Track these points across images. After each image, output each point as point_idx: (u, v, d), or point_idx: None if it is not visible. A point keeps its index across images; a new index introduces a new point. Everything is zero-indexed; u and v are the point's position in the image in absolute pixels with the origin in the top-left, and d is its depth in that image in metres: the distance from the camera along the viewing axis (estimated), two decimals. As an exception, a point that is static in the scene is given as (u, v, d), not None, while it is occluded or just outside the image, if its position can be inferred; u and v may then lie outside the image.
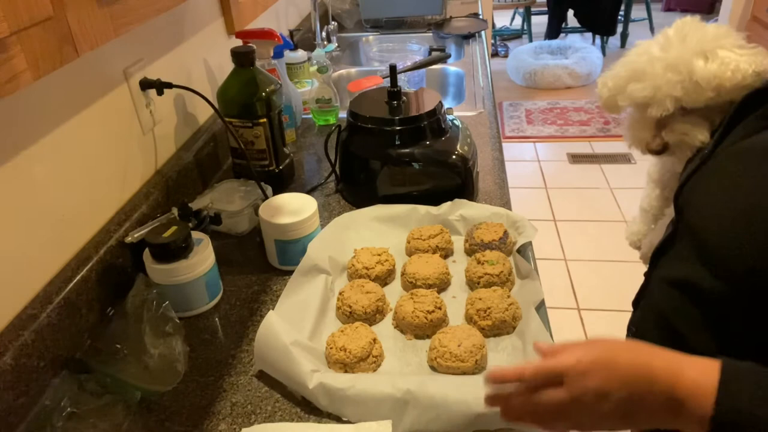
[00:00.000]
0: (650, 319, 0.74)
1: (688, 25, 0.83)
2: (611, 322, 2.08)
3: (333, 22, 2.02)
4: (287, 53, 1.50)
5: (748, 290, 0.55)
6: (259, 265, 0.95)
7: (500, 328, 0.77)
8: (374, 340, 0.75)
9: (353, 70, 1.84)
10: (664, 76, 0.80)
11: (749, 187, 0.60)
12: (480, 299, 0.79)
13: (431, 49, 1.81)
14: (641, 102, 0.84)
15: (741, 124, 0.67)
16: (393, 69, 1.06)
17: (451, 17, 2.23)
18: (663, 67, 0.80)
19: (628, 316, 0.84)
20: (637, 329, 0.79)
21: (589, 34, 4.83)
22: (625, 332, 0.83)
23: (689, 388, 0.49)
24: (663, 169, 1.03)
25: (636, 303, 0.82)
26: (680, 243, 0.70)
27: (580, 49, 4.32)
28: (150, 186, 0.98)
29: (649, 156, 1.00)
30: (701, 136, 0.81)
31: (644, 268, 0.83)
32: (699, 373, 0.50)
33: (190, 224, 0.91)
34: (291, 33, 1.87)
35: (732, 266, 0.58)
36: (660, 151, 0.86)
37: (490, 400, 0.57)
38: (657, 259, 0.76)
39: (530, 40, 4.80)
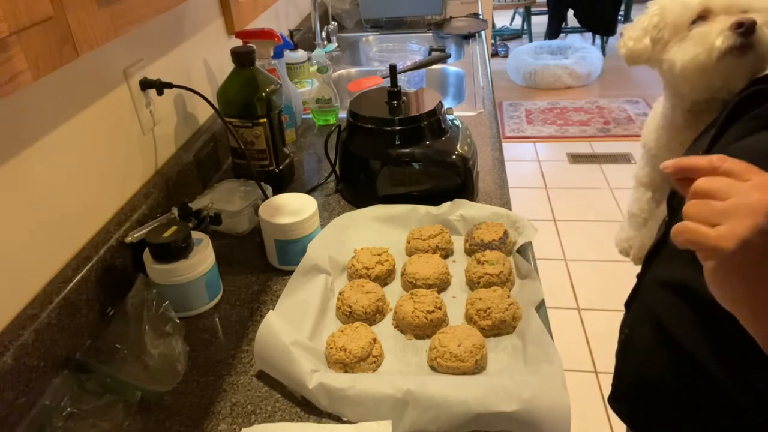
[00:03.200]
0: (643, 320, 0.74)
1: None
2: (611, 322, 2.07)
3: (333, 22, 2.02)
4: (287, 53, 1.50)
5: None
6: (259, 265, 0.95)
7: (500, 328, 0.77)
8: (374, 340, 0.75)
9: (353, 70, 1.84)
10: None
11: None
12: (480, 299, 0.79)
13: (431, 49, 1.81)
14: (701, 2, 0.77)
15: (735, 125, 0.67)
16: (393, 69, 1.06)
17: (451, 17, 2.24)
18: None
19: (627, 316, 0.84)
20: (630, 331, 0.79)
21: (589, 34, 4.83)
22: (625, 332, 0.83)
23: None
24: (654, 171, 1.03)
25: (628, 305, 0.81)
26: (673, 245, 0.70)
27: (580, 49, 4.33)
28: (150, 186, 0.98)
29: (640, 156, 0.97)
30: None
31: None
32: None
33: (190, 224, 0.91)
34: (291, 33, 1.87)
35: None
36: (750, 29, 0.73)
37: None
38: (650, 260, 0.75)
39: (530, 40, 4.80)
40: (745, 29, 0.75)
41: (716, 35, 0.77)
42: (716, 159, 0.47)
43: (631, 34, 0.89)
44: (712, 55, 0.78)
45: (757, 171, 0.45)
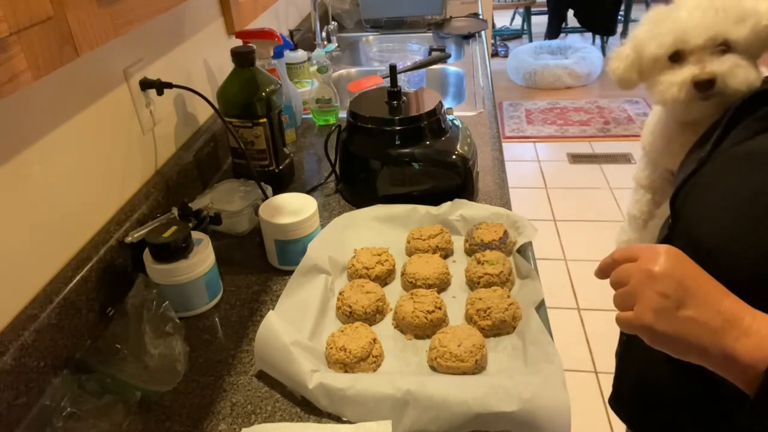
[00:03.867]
0: None
1: None
2: (611, 322, 2.06)
3: (333, 22, 2.02)
4: (287, 53, 1.50)
5: (752, 296, 0.54)
6: (259, 265, 0.95)
7: (500, 328, 0.77)
8: (374, 340, 0.75)
9: (353, 70, 1.84)
10: (699, 9, 0.75)
11: (751, 193, 0.59)
12: (480, 299, 0.79)
13: (431, 49, 1.81)
14: (675, 41, 0.79)
15: (739, 126, 0.66)
16: (393, 69, 1.06)
17: (451, 17, 2.24)
18: (696, 4, 0.76)
19: (628, 316, 0.84)
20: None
21: (589, 34, 4.84)
22: (625, 332, 0.83)
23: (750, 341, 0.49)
24: (654, 173, 1.03)
25: None
26: (677, 246, 0.70)
27: (580, 49, 4.33)
28: (150, 186, 0.98)
29: (640, 158, 0.97)
30: (753, 73, 0.76)
31: None
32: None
33: (190, 224, 0.91)
34: (291, 33, 1.87)
35: (736, 272, 0.57)
36: (709, 84, 0.78)
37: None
38: None
39: (530, 40, 4.80)
40: (703, 87, 0.78)
41: (678, 89, 0.81)
42: (614, 253, 0.59)
43: (618, 63, 0.91)
44: (678, 102, 0.82)
45: (636, 248, 0.57)
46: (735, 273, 0.56)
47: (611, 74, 0.94)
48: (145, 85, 0.97)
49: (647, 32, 0.84)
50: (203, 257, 0.83)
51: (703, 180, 0.67)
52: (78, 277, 0.77)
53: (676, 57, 0.82)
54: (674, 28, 0.79)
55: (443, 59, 1.47)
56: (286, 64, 1.49)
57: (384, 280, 0.88)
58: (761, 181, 0.58)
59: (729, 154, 0.65)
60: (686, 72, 0.80)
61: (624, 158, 3.16)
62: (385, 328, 0.80)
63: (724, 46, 0.78)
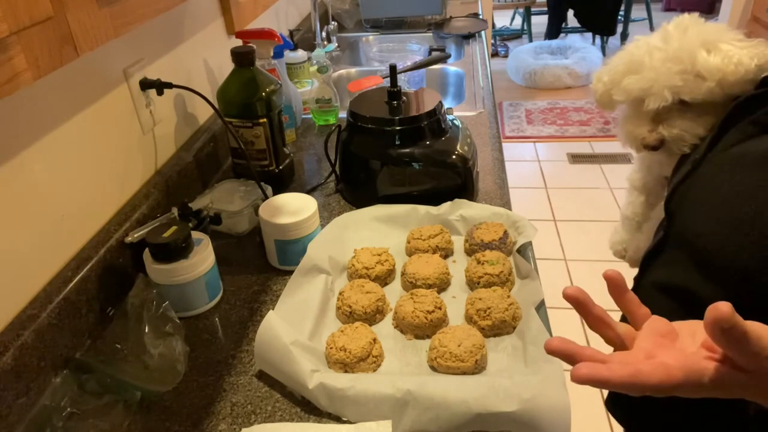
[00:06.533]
0: None
1: (688, 20, 0.82)
2: (611, 322, 2.07)
3: (333, 22, 2.02)
4: (287, 53, 1.50)
5: (745, 296, 0.54)
6: (259, 265, 0.95)
7: (500, 328, 0.77)
8: (374, 340, 0.75)
9: (353, 70, 1.85)
10: (664, 66, 0.78)
11: (744, 195, 0.59)
12: (480, 299, 0.79)
13: (431, 49, 1.81)
14: (638, 95, 0.83)
15: (733, 129, 0.67)
16: (393, 69, 1.06)
17: (451, 17, 2.24)
18: (663, 58, 0.79)
19: (628, 316, 0.84)
20: None
21: (589, 34, 4.84)
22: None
23: None
24: (648, 176, 1.03)
25: None
26: (671, 249, 0.69)
27: (580, 49, 4.33)
28: (150, 186, 0.98)
29: (634, 160, 0.99)
30: (701, 131, 0.80)
31: None
32: None
33: (190, 224, 0.91)
34: (291, 33, 1.87)
35: (729, 273, 0.57)
36: (656, 147, 0.84)
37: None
38: (647, 264, 0.75)
39: (530, 40, 4.80)
40: (651, 147, 0.86)
41: (631, 142, 0.89)
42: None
43: (598, 86, 0.94)
44: (632, 148, 0.91)
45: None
46: (729, 275, 0.56)
47: (593, 94, 0.97)
48: (145, 85, 0.97)
49: (622, 70, 0.87)
50: (203, 257, 0.83)
51: (698, 182, 0.67)
52: (78, 277, 0.77)
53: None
54: (641, 80, 0.82)
55: (443, 59, 1.47)
56: (286, 64, 1.49)
57: (384, 280, 0.88)
58: (754, 184, 0.59)
59: (723, 156, 0.65)
60: (638, 131, 0.87)
61: (624, 158, 3.16)
62: (385, 328, 0.80)
63: (683, 105, 0.81)
